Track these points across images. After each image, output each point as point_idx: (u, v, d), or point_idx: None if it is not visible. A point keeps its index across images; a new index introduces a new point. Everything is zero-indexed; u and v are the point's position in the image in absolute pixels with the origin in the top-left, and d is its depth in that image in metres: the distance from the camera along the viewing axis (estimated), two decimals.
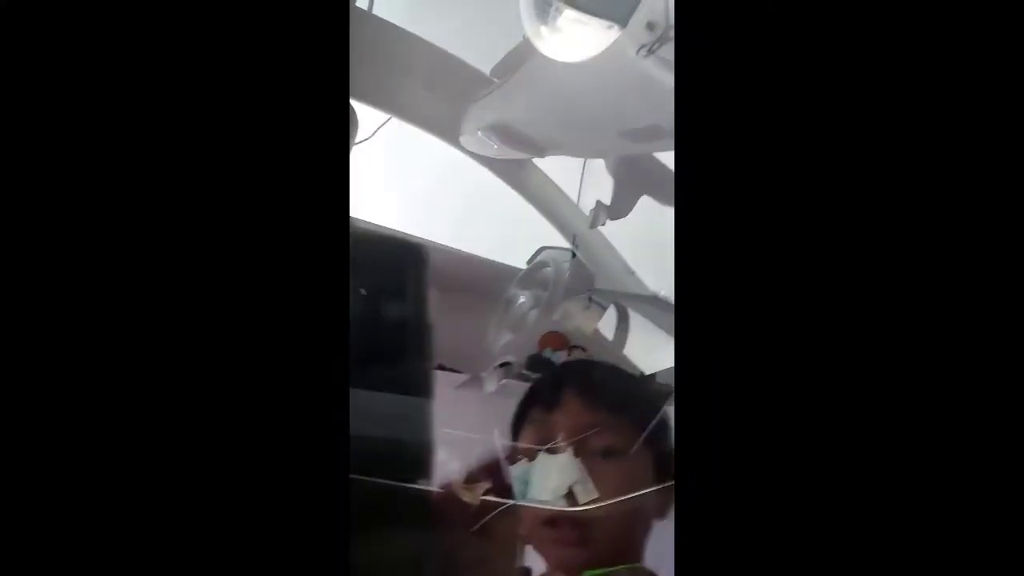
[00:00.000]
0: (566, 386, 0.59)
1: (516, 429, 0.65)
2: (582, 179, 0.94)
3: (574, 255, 1.06)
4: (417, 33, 0.82)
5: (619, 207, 0.82)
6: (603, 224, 0.86)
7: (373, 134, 0.79)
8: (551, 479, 0.68)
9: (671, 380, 0.66)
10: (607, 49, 0.37)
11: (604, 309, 0.98)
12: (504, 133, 0.72)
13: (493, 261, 1.29)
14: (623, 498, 0.54)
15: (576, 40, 0.34)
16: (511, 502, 0.59)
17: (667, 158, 0.73)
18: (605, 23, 0.34)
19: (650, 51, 0.34)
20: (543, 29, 0.35)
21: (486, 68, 0.75)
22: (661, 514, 0.51)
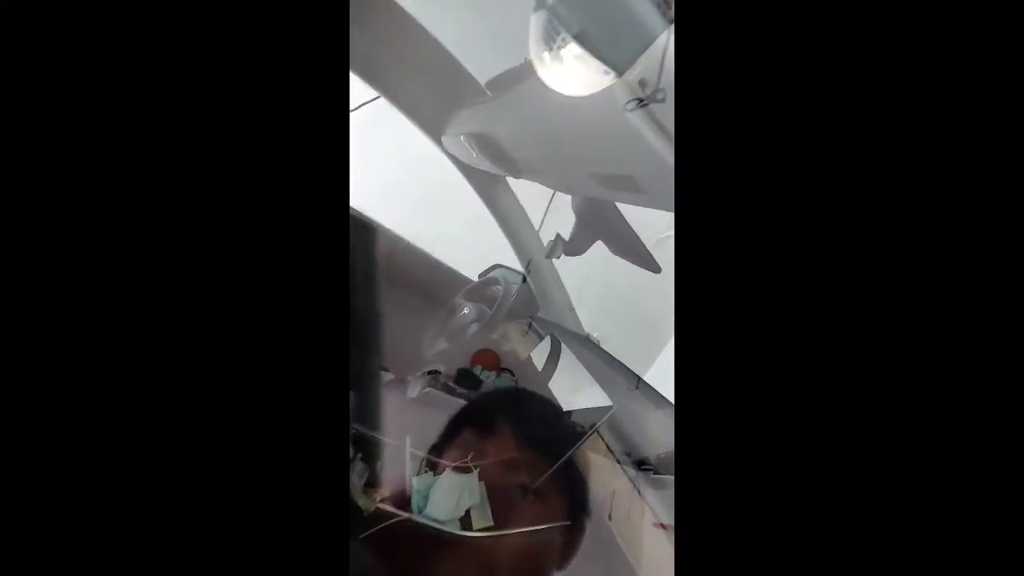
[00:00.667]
0: (502, 414, 0.57)
1: (442, 445, 0.62)
2: (547, 209, 0.94)
3: (525, 279, 1.06)
4: (422, 23, 0.79)
5: (576, 245, 0.83)
6: (558, 257, 0.86)
7: (358, 107, 0.77)
8: (451, 498, 0.66)
9: (585, 420, 0.65)
10: (599, 92, 0.34)
11: (540, 338, 0.98)
12: (486, 144, 0.71)
13: (445, 265, 1.26)
14: (517, 531, 0.52)
15: (573, 75, 0.34)
16: (405, 515, 0.57)
17: (629, 211, 0.74)
18: (603, 67, 0.31)
19: (638, 105, 0.32)
20: (546, 55, 0.35)
21: (482, 79, 0.75)
22: (561, 563, 0.48)
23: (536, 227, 1.04)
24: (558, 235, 0.83)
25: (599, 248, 0.88)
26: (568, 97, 0.39)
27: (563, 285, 1.09)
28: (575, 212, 0.80)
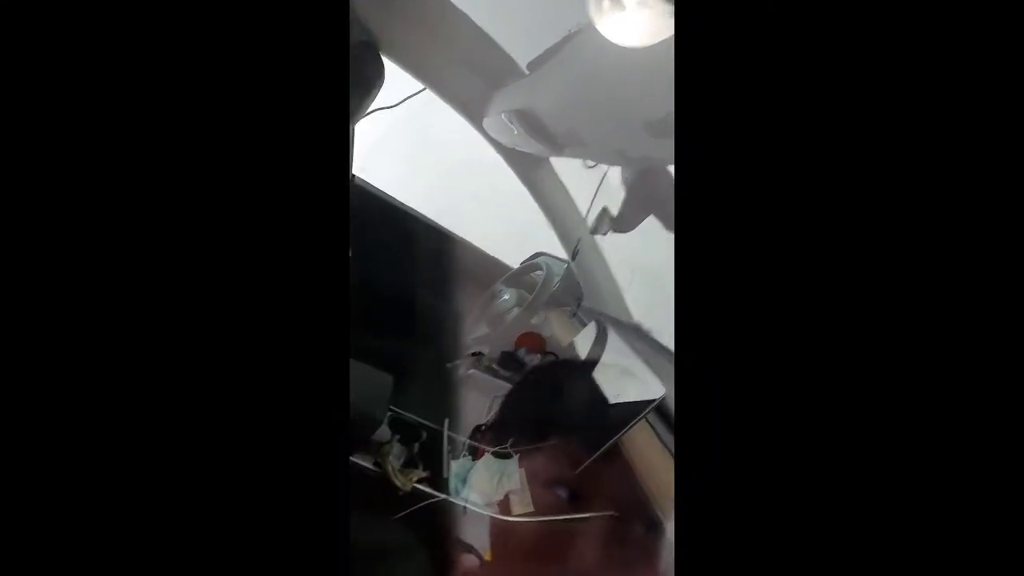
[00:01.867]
0: (548, 396, 0.56)
1: (485, 428, 0.65)
2: (597, 191, 0.88)
3: (570, 264, 1.02)
4: (460, 7, 0.78)
5: (625, 220, 0.80)
6: (605, 233, 0.82)
7: (401, 102, 0.77)
8: (489, 482, 0.63)
9: (629, 413, 0.63)
10: (657, 44, 0.33)
11: (584, 325, 0.93)
12: (527, 121, 0.68)
13: (487, 253, 1.26)
14: (556, 518, 0.50)
15: (634, 22, 0.32)
16: (443, 496, 0.56)
17: None
18: (667, 9, 0.29)
19: None
20: (605, 4, 0.33)
21: (522, 61, 0.73)
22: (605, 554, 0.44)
23: (583, 213, 0.99)
24: (605, 209, 0.80)
25: (648, 229, 0.81)
26: (610, 56, 0.35)
27: (611, 272, 1.05)
28: (625, 184, 0.77)
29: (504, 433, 0.62)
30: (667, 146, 0.49)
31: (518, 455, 0.66)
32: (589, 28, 0.38)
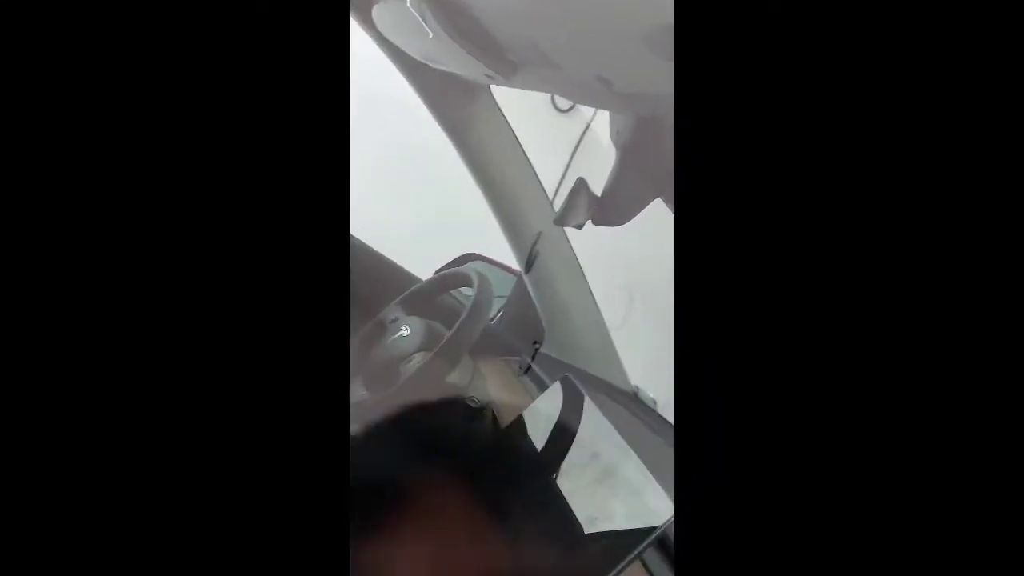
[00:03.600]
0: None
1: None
2: (574, 153, 0.91)
3: (525, 273, 1.05)
4: None
5: (615, 205, 0.80)
6: (579, 225, 0.80)
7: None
8: None
9: (616, 547, 0.72)
10: None
11: (543, 389, 0.96)
12: (452, 15, 0.65)
13: (377, 253, 1.23)
14: None
15: None
16: None
17: None
18: None
19: None
20: None
21: None
22: None
23: (547, 191, 1.05)
24: (580, 183, 0.77)
25: (657, 219, 0.81)
26: None
27: (591, 293, 1.07)
28: (618, 144, 0.77)
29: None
30: None
31: None
32: None
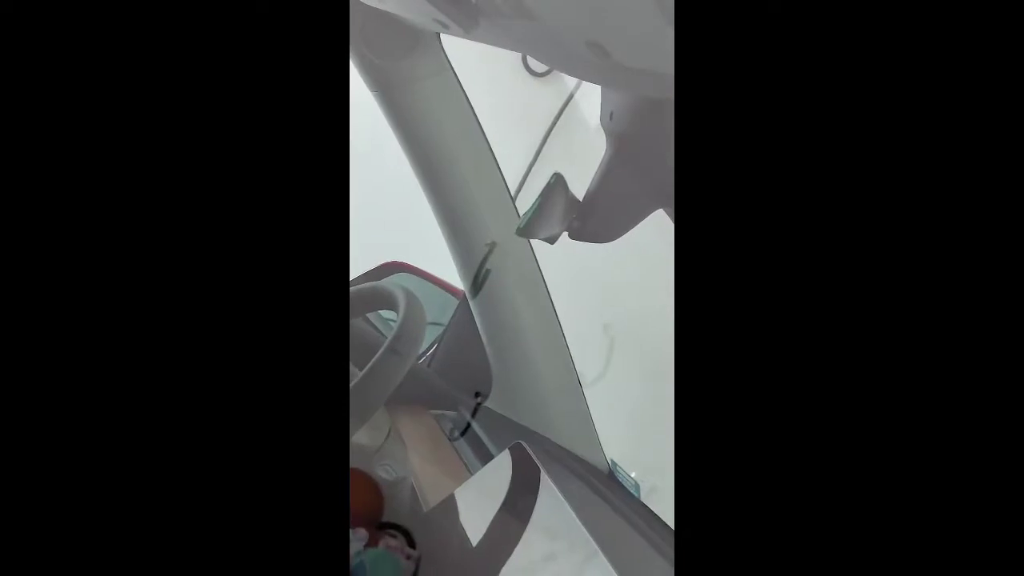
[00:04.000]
0: None
1: None
2: (546, 137, 0.90)
3: (473, 297, 1.01)
4: None
5: (601, 213, 0.74)
6: (552, 238, 0.74)
7: None
8: None
9: None
10: None
11: (486, 461, 0.92)
12: None
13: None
14: None
15: None
16: None
17: None
18: None
19: None
20: None
21: None
22: None
23: (510, 188, 0.98)
24: (558, 181, 0.71)
25: (654, 234, 0.78)
26: None
27: (559, 327, 1.03)
28: (610, 133, 0.72)
29: None
30: None
31: None
32: None
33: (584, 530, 0.75)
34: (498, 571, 0.77)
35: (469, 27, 0.63)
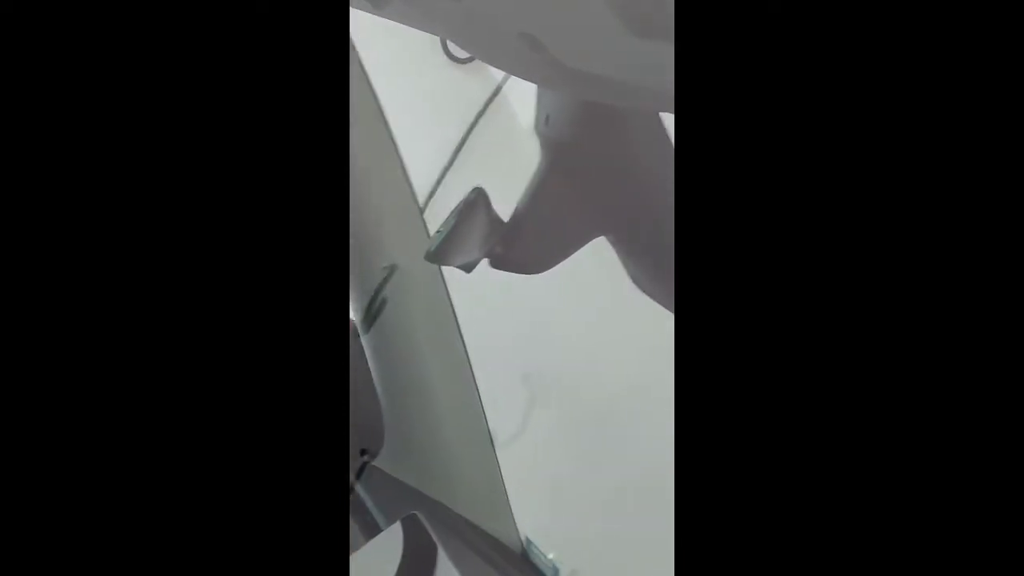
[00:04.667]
0: None
1: None
2: (465, 137, 0.84)
3: (363, 333, 0.97)
4: None
5: (533, 238, 0.69)
6: (469, 266, 0.69)
7: None
8: None
9: None
10: None
11: (377, 531, 0.86)
12: None
13: None
14: None
15: None
16: None
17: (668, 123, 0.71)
18: None
19: None
20: None
21: None
22: None
23: (418, 197, 0.93)
24: (478, 196, 0.65)
25: (591, 266, 0.76)
26: None
27: (470, 371, 0.96)
28: (545, 142, 0.68)
29: None
30: (661, 57, 0.40)
31: None
32: None
33: None
34: None
35: (379, 2, 0.54)
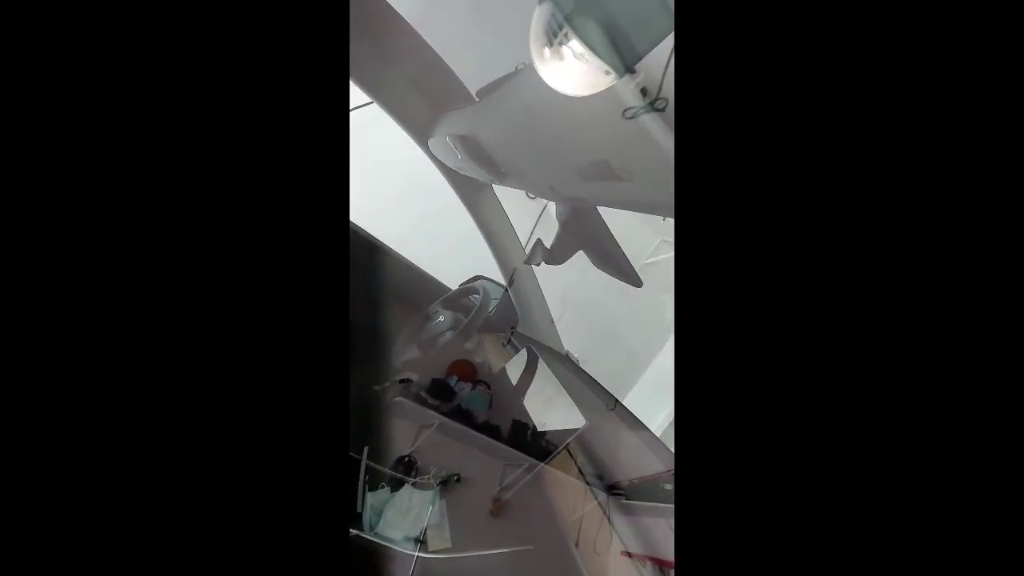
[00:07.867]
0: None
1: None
2: (537, 221, 1.66)
3: (508, 288, 1.81)
4: (418, 28, 1.35)
5: (557, 253, 1.60)
6: (537, 263, 1.54)
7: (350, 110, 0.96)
8: (406, 516, 1.08)
9: (557, 439, 1.59)
10: (596, 95, 0.47)
11: (517, 351, 1.79)
12: (471, 146, 1.24)
13: (424, 272, 2.04)
14: (477, 553, 1.05)
15: (573, 74, 0.50)
16: (354, 532, 0.99)
17: (612, 220, 1.43)
18: (604, 67, 0.45)
19: (635, 115, 0.44)
20: (547, 51, 0.52)
21: (473, 87, 1.41)
22: None
23: (522, 240, 1.80)
24: (539, 241, 1.50)
25: (582, 263, 1.61)
26: (556, 96, 0.51)
27: (544, 300, 2.06)
28: (559, 220, 1.49)
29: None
30: (597, 189, 0.82)
31: (439, 486, 1.20)
32: (534, 69, 0.58)
33: (559, 379, 1.57)
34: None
35: (501, 179, 1.14)
